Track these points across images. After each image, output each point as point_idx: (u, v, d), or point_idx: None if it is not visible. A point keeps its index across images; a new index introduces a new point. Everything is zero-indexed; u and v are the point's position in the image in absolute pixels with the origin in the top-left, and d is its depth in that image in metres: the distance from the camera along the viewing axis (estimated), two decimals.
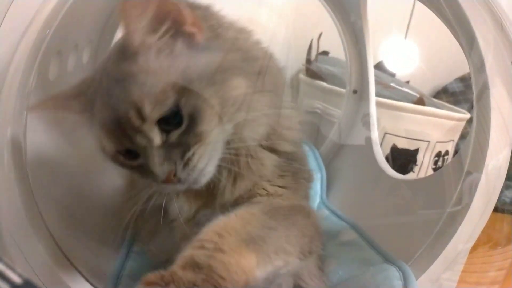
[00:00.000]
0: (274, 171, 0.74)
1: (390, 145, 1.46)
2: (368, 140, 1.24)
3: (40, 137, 0.81)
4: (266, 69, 0.66)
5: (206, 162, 0.62)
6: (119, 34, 1.15)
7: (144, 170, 0.63)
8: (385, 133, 1.45)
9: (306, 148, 1.28)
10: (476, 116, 0.74)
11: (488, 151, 0.70)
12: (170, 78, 0.55)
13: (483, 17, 0.68)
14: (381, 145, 1.37)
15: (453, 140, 1.54)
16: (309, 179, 0.86)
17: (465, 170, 0.75)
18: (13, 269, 0.35)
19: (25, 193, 0.70)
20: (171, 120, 0.57)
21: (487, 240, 0.78)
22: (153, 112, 0.56)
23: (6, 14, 0.63)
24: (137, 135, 0.59)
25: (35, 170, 0.74)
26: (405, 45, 1.73)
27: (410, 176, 1.44)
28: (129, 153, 0.64)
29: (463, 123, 1.51)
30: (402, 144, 1.47)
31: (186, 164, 0.60)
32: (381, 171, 1.14)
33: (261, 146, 0.71)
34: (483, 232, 0.73)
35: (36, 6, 0.64)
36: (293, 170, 0.78)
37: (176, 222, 0.80)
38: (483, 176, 0.71)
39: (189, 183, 0.63)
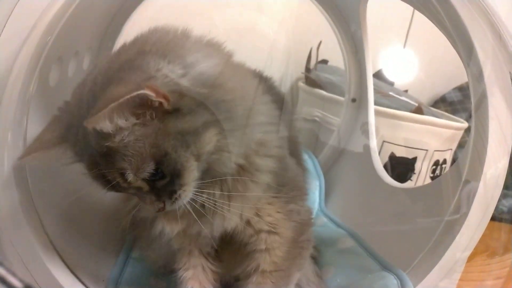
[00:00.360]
0: (260, 200, 0.75)
1: (389, 153, 1.47)
2: (367, 148, 1.24)
3: None
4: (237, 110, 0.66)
5: (190, 195, 0.66)
6: (120, 41, 1.17)
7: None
8: (384, 141, 1.46)
9: (305, 156, 1.28)
10: (474, 125, 0.74)
11: (486, 160, 0.70)
12: (146, 148, 0.58)
13: (481, 27, 0.68)
14: (379, 153, 1.37)
15: (451, 149, 1.55)
16: (301, 197, 0.86)
17: (463, 179, 0.75)
18: (14, 274, 0.35)
19: (24, 199, 0.71)
20: (155, 175, 0.60)
21: (484, 248, 0.78)
22: (136, 177, 0.60)
23: (7, 20, 0.64)
24: (127, 188, 0.63)
25: (35, 175, 0.74)
26: (404, 54, 1.74)
27: (408, 184, 1.44)
28: None
29: (461, 132, 1.52)
30: (400, 152, 1.47)
31: (173, 201, 0.65)
32: (379, 179, 1.14)
33: (239, 179, 0.71)
34: (480, 241, 0.73)
35: (38, 12, 0.65)
36: (283, 196, 0.78)
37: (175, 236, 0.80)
38: (481, 185, 0.71)
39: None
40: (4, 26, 0.64)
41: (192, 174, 0.63)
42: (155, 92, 0.55)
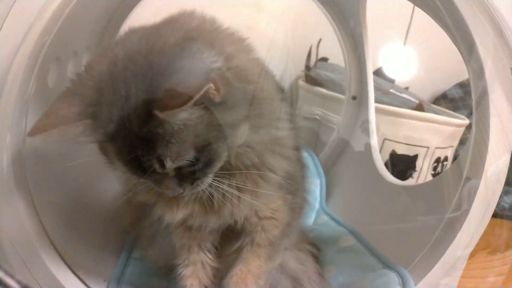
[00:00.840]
0: (268, 198, 0.76)
1: (390, 151, 1.46)
2: (368, 146, 1.24)
3: (39, 143, 0.81)
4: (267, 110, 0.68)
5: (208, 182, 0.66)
6: None
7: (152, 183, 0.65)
8: (385, 139, 1.46)
9: (305, 154, 1.28)
10: (476, 122, 0.74)
11: (487, 157, 0.70)
12: (190, 137, 0.58)
13: (482, 23, 0.68)
14: (380, 151, 1.37)
15: (452, 146, 1.54)
16: (301, 204, 0.89)
17: (464, 176, 0.75)
18: (11, 276, 0.35)
19: (24, 199, 0.70)
20: (189, 162, 0.60)
21: (486, 245, 0.78)
22: (173, 164, 0.58)
23: (5, 20, 0.63)
24: (156, 174, 0.60)
25: (35, 176, 0.74)
26: (405, 51, 1.74)
27: (409, 182, 1.44)
28: None
29: (462, 129, 1.51)
30: (401, 150, 1.47)
31: (194, 187, 0.64)
32: (380, 177, 1.14)
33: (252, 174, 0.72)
34: (482, 237, 0.73)
35: (35, 12, 0.64)
36: (286, 197, 0.81)
37: (174, 230, 0.81)
38: (482, 182, 0.71)
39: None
40: (2, 26, 0.63)
41: (220, 164, 0.64)
42: (215, 85, 0.55)
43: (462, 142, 1.55)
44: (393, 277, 0.81)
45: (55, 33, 0.67)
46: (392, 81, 1.78)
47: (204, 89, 0.52)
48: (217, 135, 0.60)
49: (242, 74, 0.62)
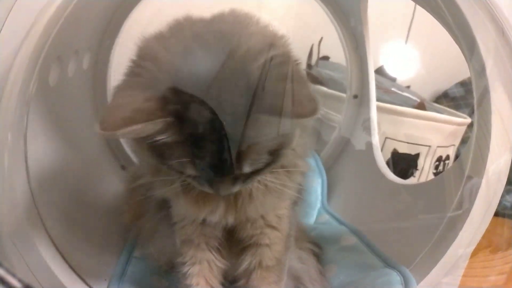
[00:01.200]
0: (279, 202, 0.77)
1: (391, 150, 1.46)
2: (369, 145, 1.24)
3: (41, 142, 0.81)
4: None
5: None
6: (119, 40, 1.17)
7: (198, 179, 0.62)
8: (386, 137, 1.45)
9: None
10: (477, 121, 0.74)
11: (488, 155, 0.70)
12: (271, 143, 0.58)
13: (483, 21, 0.68)
14: (381, 150, 1.36)
15: (454, 145, 1.54)
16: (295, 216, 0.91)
17: (465, 174, 0.74)
18: (13, 275, 0.35)
19: (25, 198, 0.70)
20: None
21: (487, 244, 0.78)
22: (250, 168, 0.58)
23: (6, 19, 0.63)
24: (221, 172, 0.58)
25: (36, 175, 0.74)
26: (406, 49, 1.74)
27: (411, 180, 1.44)
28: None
29: (464, 128, 1.51)
30: (403, 149, 1.47)
31: (244, 185, 0.63)
32: (381, 175, 1.14)
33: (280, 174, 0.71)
34: (483, 236, 0.73)
35: (37, 11, 0.64)
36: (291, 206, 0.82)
37: (177, 225, 0.80)
38: (483, 181, 0.71)
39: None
40: (3, 25, 0.63)
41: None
42: None
43: (464, 140, 1.55)
44: (394, 276, 0.81)
45: (56, 32, 0.66)
46: (393, 80, 1.78)
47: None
48: (288, 139, 0.61)
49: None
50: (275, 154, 0.59)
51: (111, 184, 1.17)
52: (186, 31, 0.62)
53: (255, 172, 0.60)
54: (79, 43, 0.95)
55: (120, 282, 0.90)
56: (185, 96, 0.53)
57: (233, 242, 0.82)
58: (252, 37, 0.59)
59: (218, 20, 0.65)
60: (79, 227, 0.88)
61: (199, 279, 0.79)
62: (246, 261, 0.80)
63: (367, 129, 1.26)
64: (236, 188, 0.61)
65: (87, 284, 0.77)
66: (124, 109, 0.53)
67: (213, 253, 0.81)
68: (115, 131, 0.51)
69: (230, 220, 0.73)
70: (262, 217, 0.76)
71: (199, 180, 0.61)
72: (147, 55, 0.59)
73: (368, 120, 1.27)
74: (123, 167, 1.30)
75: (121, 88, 0.59)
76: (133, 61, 0.60)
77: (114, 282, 0.89)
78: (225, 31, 0.60)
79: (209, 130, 0.53)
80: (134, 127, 0.51)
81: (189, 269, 0.79)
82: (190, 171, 0.57)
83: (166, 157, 0.58)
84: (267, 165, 0.60)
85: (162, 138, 0.54)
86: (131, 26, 1.18)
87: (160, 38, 0.62)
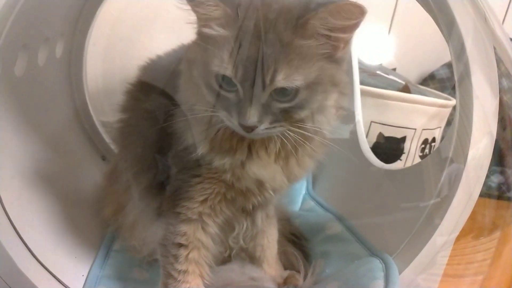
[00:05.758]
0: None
1: (377, 133, 1.45)
2: (353, 130, 1.22)
3: (8, 135, 0.78)
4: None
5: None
6: (94, 25, 1.13)
7: (228, 104, 0.64)
8: (371, 121, 1.43)
9: None
10: (459, 102, 0.72)
11: (471, 138, 0.68)
12: (309, 68, 0.61)
13: (462, 2, 0.67)
14: (367, 134, 1.35)
15: (440, 127, 1.53)
16: None
17: (448, 159, 0.73)
18: None
19: None
20: (284, 95, 0.62)
21: (469, 230, 0.77)
22: (282, 83, 0.60)
23: None
24: (254, 85, 0.61)
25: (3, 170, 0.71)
26: (391, 31, 1.72)
27: (396, 165, 1.42)
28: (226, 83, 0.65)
29: (449, 110, 1.49)
30: (388, 132, 1.45)
31: (270, 129, 0.64)
32: (366, 160, 1.12)
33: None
34: (466, 221, 0.71)
35: None
36: None
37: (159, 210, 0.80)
38: (466, 165, 0.69)
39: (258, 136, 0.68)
40: None
41: (304, 117, 0.66)
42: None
43: (450, 122, 1.53)
44: (376, 264, 0.80)
45: (15, 19, 0.63)
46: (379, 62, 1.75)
47: (362, 18, 0.58)
48: (324, 87, 0.64)
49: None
50: (308, 91, 0.62)
51: (91, 176, 1.14)
52: None
53: (282, 113, 0.63)
54: (49, 30, 0.91)
55: (99, 277, 0.88)
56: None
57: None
58: None
59: None
60: (52, 222, 0.86)
61: (196, 267, 0.77)
62: (259, 218, 0.90)
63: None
64: (262, 127, 0.63)
65: (60, 281, 0.75)
66: None
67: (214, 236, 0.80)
68: None
69: (284, 184, 0.77)
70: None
71: (228, 108, 0.64)
72: None
73: (342, 108, 1.25)
74: (103, 158, 1.28)
75: None
76: None
77: (92, 277, 0.87)
78: None
79: (255, 27, 0.59)
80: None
81: (187, 253, 0.76)
82: (228, 71, 0.61)
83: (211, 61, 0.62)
84: (298, 107, 0.63)
85: (214, 26, 0.62)
86: (108, 10, 1.15)
87: None
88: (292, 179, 0.78)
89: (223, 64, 0.61)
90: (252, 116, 0.61)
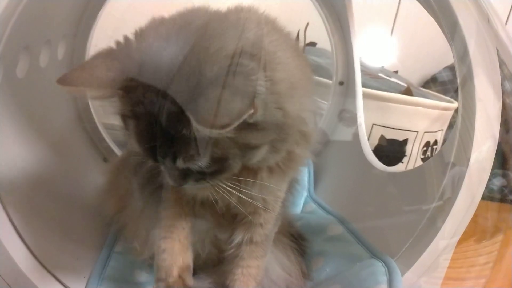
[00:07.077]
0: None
1: (378, 136, 1.45)
2: (355, 132, 1.22)
3: (10, 137, 0.78)
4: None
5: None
6: (96, 27, 1.13)
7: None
8: (373, 124, 1.44)
9: None
10: (461, 104, 0.72)
11: (474, 140, 0.68)
12: (210, 148, 0.58)
13: (466, 3, 0.66)
14: (369, 136, 1.35)
15: (442, 130, 1.53)
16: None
17: (450, 162, 0.73)
18: None
19: None
20: (197, 166, 0.60)
21: (472, 233, 0.77)
22: (184, 165, 0.59)
23: None
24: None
25: (4, 173, 0.71)
26: (394, 34, 1.72)
27: (398, 168, 1.42)
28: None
29: (451, 112, 1.50)
30: (390, 135, 1.45)
31: (197, 184, 0.65)
32: (368, 163, 1.12)
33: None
34: (468, 225, 0.71)
35: None
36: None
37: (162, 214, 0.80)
38: (469, 168, 0.69)
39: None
40: None
41: (230, 175, 0.65)
42: (253, 107, 0.53)
43: (452, 125, 1.54)
44: (379, 267, 0.80)
45: (17, 21, 0.63)
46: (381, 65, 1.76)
47: (245, 116, 0.51)
48: (237, 152, 0.60)
49: (280, 100, 0.60)
50: (220, 162, 0.60)
51: (93, 178, 1.14)
52: (187, 19, 0.64)
53: (204, 176, 0.62)
54: (51, 31, 0.91)
55: (100, 278, 0.87)
56: (140, 74, 0.57)
57: (225, 219, 0.84)
58: (225, 40, 0.58)
59: (221, 18, 0.65)
60: (53, 223, 0.85)
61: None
62: (239, 236, 0.82)
63: (344, 120, 1.25)
64: (189, 184, 0.64)
65: (61, 283, 0.75)
66: (84, 70, 0.59)
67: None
68: (66, 86, 0.57)
69: (234, 199, 0.73)
70: (263, 198, 0.76)
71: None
72: (138, 30, 0.63)
73: (344, 111, 1.25)
74: (105, 159, 1.28)
75: (98, 53, 0.62)
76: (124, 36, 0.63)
77: (94, 279, 0.86)
78: (211, 33, 0.60)
79: (147, 113, 0.56)
80: (83, 88, 0.58)
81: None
82: (134, 148, 0.61)
83: (125, 129, 0.62)
84: (216, 172, 0.62)
85: (110, 106, 0.60)
86: (110, 12, 1.15)
87: (163, 19, 0.66)
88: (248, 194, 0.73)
89: (136, 146, 0.61)
90: (174, 181, 0.63)
